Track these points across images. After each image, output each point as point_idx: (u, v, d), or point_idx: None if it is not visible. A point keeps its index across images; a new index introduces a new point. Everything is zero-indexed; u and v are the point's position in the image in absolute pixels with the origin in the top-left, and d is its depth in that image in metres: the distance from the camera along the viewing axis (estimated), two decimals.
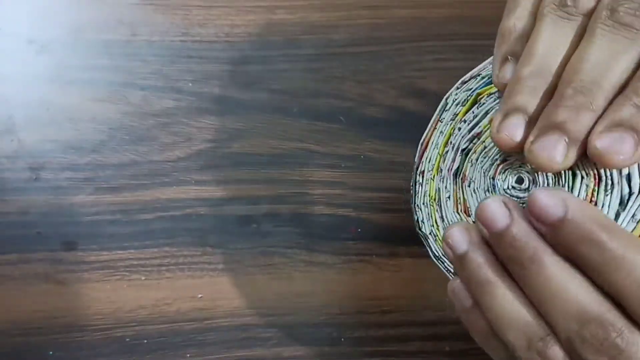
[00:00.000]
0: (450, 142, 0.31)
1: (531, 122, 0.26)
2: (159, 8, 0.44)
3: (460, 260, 0.27)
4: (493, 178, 0.30)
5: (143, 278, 0.41)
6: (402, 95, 0.43)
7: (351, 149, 0.43)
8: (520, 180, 0.29)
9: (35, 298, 0.41)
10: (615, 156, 0.24)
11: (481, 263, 0.27)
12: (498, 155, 0.30)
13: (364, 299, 0.42)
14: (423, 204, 0.32)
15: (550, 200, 0.25)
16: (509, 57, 0.28)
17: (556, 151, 0.25)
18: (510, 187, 0.29)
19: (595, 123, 0.25)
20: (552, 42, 0.26)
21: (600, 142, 0.24)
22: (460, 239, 0.27)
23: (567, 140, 0.25)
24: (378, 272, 0.42)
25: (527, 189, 0.29)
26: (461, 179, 0.31)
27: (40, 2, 0.44)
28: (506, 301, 0.26)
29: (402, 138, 0.43)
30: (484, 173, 0.30)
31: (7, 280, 0.41)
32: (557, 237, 0.25)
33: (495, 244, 0.26)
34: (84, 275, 0.41)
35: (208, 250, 0.42)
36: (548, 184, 0.28)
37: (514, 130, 0.26)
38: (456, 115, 0.31)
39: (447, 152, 0.31)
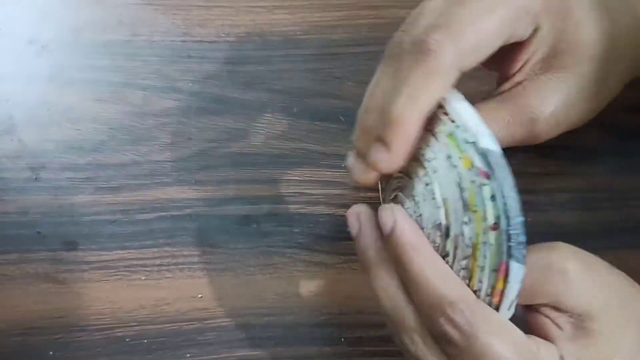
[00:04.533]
0: None
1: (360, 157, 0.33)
2: (159, 8, 0.44)
3: (356, 240, 0.33)
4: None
5: (143, 278, 0.41)
6: None
7: (351, 149, 0.43)
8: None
9: (35, 298, 0.41)
10: (378, 166, 0.31)
11: (368, 246, 0.32)
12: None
13: (364, 299, 0.42)
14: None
15: (384, 214, 0.31)
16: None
17: (356, 169, 0.33)
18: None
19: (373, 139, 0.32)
20: None
21: (369, 160, 0.31)
22: (353, 220, 0.33)
23: (360, 160, 0.32)
24: None
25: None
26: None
27: (40, 2, 0.44)
28: (385, 287, 0.32)
29: None
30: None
31: (7, 280, 0.41)
32: (387, 248, 0.31)
33: (385, 239, 0.32)
34: (84, 275, 0.41)
35: (208, 250, 0.42)
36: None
37: (349, 159, 0.33)
38: None
39: None
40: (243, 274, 0.42)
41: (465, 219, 0.29)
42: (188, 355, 0.41)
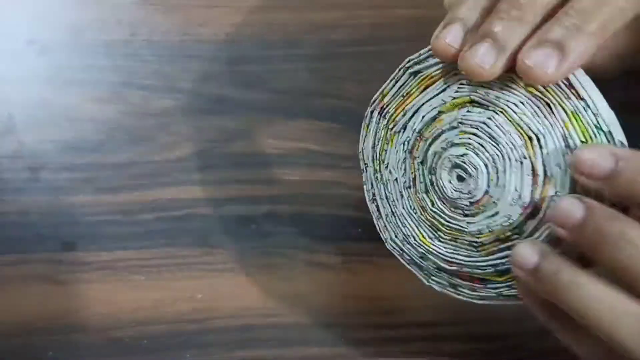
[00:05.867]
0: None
1: (466, 32, 0.28)
2: (159, 8, 0.44)
3: (534, 275, 0.26)
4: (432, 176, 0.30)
5: (143, 278, 0.41)
6: None
7: (351, 149, 0.43)
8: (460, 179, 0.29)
9: (34, 299, 0.41)
10: (539, 71, 0.26)
11: (559, 268, 0.26)
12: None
13: (364, 299, 0.42)
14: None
15: (597, 154, 0.25)
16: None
17: (485, 57, 0.26)
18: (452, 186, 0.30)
19: (526, 39, 0.26)
20: None
21: (527, 58, 0.26)
22: (528, 253, 0.27)
23: (496, 48, 0.26)
24: (378, 273, 0.42)
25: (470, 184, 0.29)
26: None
27: (40, 2, 0.44)
28: (602, 297, 0.25)
29: None
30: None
31: (7, 280, 0.41)
32: (615, 188, 0.25)
33: (578, 238, 0.26)
34: (84, 275, 0.41)
35: (208, 250, 0.42)
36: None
37: (452, 37, 0.28)
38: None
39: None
40: (243, 274, 0.42)
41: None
42: (188, 355, 0.41)
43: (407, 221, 0.32)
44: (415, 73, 0.30)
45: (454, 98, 0.29)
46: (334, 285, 0.42)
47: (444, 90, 0.29)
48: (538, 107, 0.27)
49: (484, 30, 0.27)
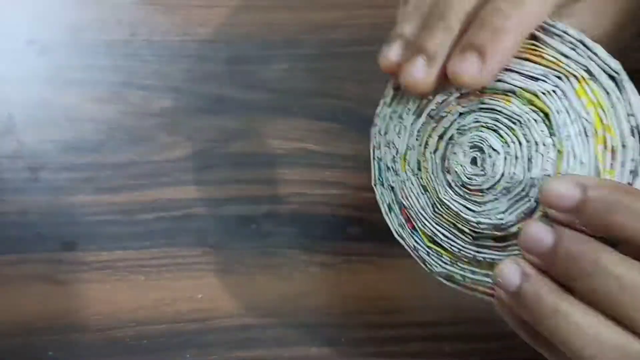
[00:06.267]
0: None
1: (407, 45, 0.29)
2: (159, 8, 0.44)
3: (516, 297, 0.25)
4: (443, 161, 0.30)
5: (143, 278, 0.41)
6: None
7: (351, 149, 0.43)
8: (474, 161, 0.29)
9: (34, 298, 0.41)
10: (465, 76, 0.27)
11: (540, 293, 0.25)
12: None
13: (364, 299, 0.42)
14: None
15: (563, 186, 0.25)
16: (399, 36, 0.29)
17: (417, 71, 0.28)
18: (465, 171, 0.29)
19: (455, 44, 0.27)
20: None
21: (451, 66, 0.27)
22: (512, 273, 0.25)
23: (427, 60, 0.28)
24: (378, 272, 0.42)
25: (484, 170, 0.28)
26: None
27: (40, 2, 0.44)
28: (584, 326, 0.24)
29: None
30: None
31: (7, 280, 0.41)
32: (586, 218, 0.24)
33: (550, 266, 0.25)
34: (84, 275, 0.41)
35: (208, 250, 0.42)
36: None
37: (393, 54, 0.29)
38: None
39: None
40: (243, 274, 0.42)
41: None
42: (188, 355, 0.41)
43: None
44: None
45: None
46: (334, 285, 0.42)
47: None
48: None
49: (416, 45, 0.28)
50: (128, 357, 0.40)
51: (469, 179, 0.28)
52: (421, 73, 0.28)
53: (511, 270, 0.26)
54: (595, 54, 0.27)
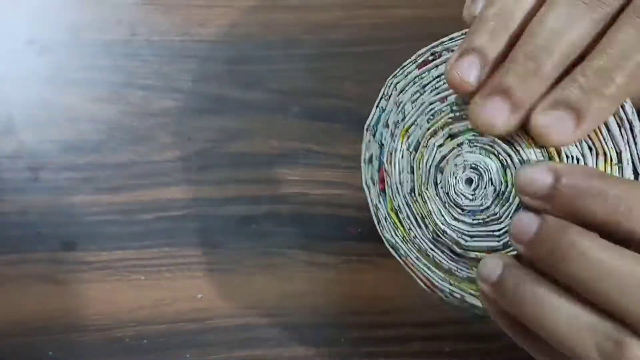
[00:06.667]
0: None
1: (486, 66, 0.25)
2: (159, 8, 0.44)
3: (497, 287, 0.25)
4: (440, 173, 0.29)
5: (143, 278, 0.41)
6: None
7: (351, 149, 0.43)
8: (469, 182, 0.28)
9: (35, 298, 0.41)
10: (554, 135, 0.25)
11: (519, 281, 0.25)
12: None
13: (364, 299, 0.42)
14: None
15: (535, 171, 0.24)
16: None
17: (497, 115, 0.25)
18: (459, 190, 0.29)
19: (543, 94, 0.25)
20: None
21: (542, 120, 0.25)
22: (493, 265, 0.26)
23: (509, 105, 0.25)
24: (378, 272, 0.42)
25: (475, 190, 0.28)
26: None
27: (40, 2, 0.44)
28: (559, 310, 0.24)
29: None
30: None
31: (7, 280, 0.41)
32: (558, 205, 0.24)
33: (533, 254, 0.25)
34: (84, 275, 0.41)
35: (208, 250, 0.42)
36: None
37: (467, 70, 0.25)
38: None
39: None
40: (243, 274, 0.42)
41: None
42: (188, 355, 0.41)
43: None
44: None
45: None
46: (334, 285, 0.42)
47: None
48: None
49: (496, 83, 0.25)
50: (128, 357, 0.40)
51: (456, 194, 0.28)
52: (501, 119, 0.25)
53: (493, 262, 0.26)
54: (636, 142, 0.26)
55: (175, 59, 0.44)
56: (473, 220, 0.28)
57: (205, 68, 0.44)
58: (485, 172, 0.27)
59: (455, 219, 0.28)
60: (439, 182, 0.29)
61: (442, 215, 0.29)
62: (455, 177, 0.28)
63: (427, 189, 0.29)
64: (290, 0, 0.44)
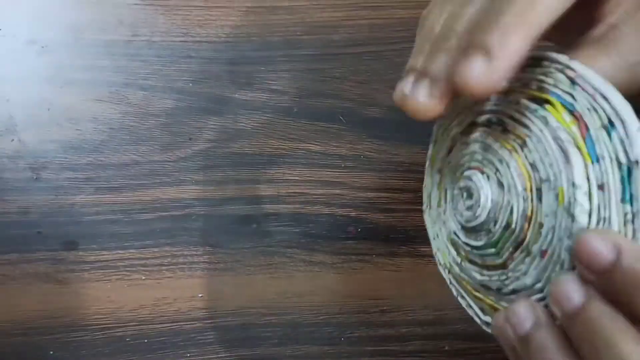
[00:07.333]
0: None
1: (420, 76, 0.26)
2: (160, 8, 0.44)
3: (522, 341, 0.25)
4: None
5: (143, 278, 0.41)
6: None
7: (351, 149, 0.43)
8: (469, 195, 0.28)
9: (35, 298, 0.41)
10: (473, 80, 0.24)
11: (547, 347, 0.24)
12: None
13: (364, 298, 0.42)
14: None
15: (601, 244, 0.23)
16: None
17: (420, 93, 0.26)
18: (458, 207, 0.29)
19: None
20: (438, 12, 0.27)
21: (456, 74, 0.24)
22: (525, 317, 0.25)
23: (428, 81, 0.26)
24: (378, 272, 0.42)
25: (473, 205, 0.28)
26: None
27: (40, 2, 0.44)
28: None
29: (402, 138, 0.43)
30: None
31: (8, 280, 0.41)
32: (611, 287, 0.22)
33: (567, 323, 0.24)
34: (85, 274, 0.41)
35: (208, 250, 0.42)
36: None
37: (406, 87, 0.26)
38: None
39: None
40: (243, 274, 0.42)
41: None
42: (188, 355, 0.41)
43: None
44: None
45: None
46: (334, 284, 0.42)
47: None
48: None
49: (417, 70, 0.26)
50: (128, 357, 0.41)
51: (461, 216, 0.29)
52: (425, 96, 0.26)
53: (525, 312, 0.25)
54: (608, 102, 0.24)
55: (176, 59, 0.44)
56: (477, 234, 0.29)
57: (205, 68, 0.44)
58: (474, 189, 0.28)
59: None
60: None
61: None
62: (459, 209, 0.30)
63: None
64: (290, 0, 0.44)
